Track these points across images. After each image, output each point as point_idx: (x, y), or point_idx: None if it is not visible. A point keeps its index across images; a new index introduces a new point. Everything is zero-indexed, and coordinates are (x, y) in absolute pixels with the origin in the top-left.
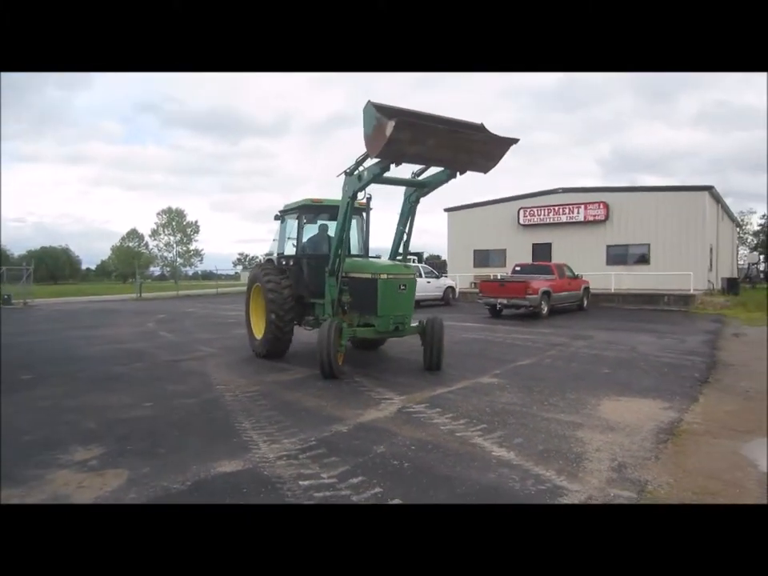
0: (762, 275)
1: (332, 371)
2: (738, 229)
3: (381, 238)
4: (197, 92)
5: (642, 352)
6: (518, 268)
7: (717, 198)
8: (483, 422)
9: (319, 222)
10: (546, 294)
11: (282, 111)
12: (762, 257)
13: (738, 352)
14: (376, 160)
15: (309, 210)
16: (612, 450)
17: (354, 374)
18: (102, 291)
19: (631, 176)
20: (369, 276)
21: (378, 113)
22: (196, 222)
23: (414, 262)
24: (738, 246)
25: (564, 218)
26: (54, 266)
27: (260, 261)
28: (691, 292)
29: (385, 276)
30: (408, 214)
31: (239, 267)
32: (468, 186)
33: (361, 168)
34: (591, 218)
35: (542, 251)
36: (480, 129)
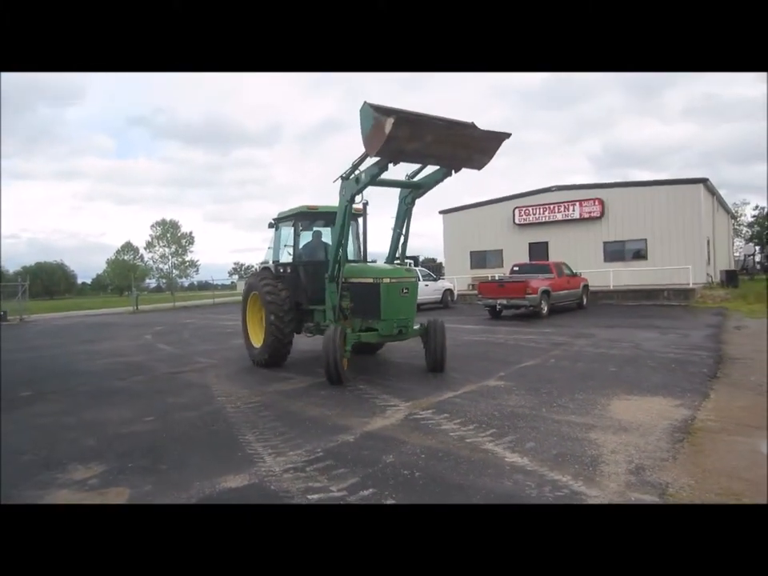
0: (758, 266)
1: (339, 376)
2: (732, 220)
3: (373, 243)
4: (187, 102)
5: (648, 348)
6: (516, 268)
7: (711, 191)
8: (493, 426)
9: (314, 229)
10: (546, 293)
11: (272, 120)
12: (757, 248)
13: (742, 345)
14: (373, 162)
15: (305, 217)
16: (628, 451)
17: (356, 380)
18: (98, 305)
19: (623, 171)
20: (371, 281)
21: (375, 112)
22: (190, 233)
23: (410, 265)
24: (733, 238)
25: (559, 216)
26: (49, 281)
27: (256, 270)
28: (691, 286)
29: (387, 280)
30: (404, 216)
31: (235, 277)
32: (461, 188)
33: (357, 171)
34: (587, 215)
35: (538, 250)
36: (471, 127)
